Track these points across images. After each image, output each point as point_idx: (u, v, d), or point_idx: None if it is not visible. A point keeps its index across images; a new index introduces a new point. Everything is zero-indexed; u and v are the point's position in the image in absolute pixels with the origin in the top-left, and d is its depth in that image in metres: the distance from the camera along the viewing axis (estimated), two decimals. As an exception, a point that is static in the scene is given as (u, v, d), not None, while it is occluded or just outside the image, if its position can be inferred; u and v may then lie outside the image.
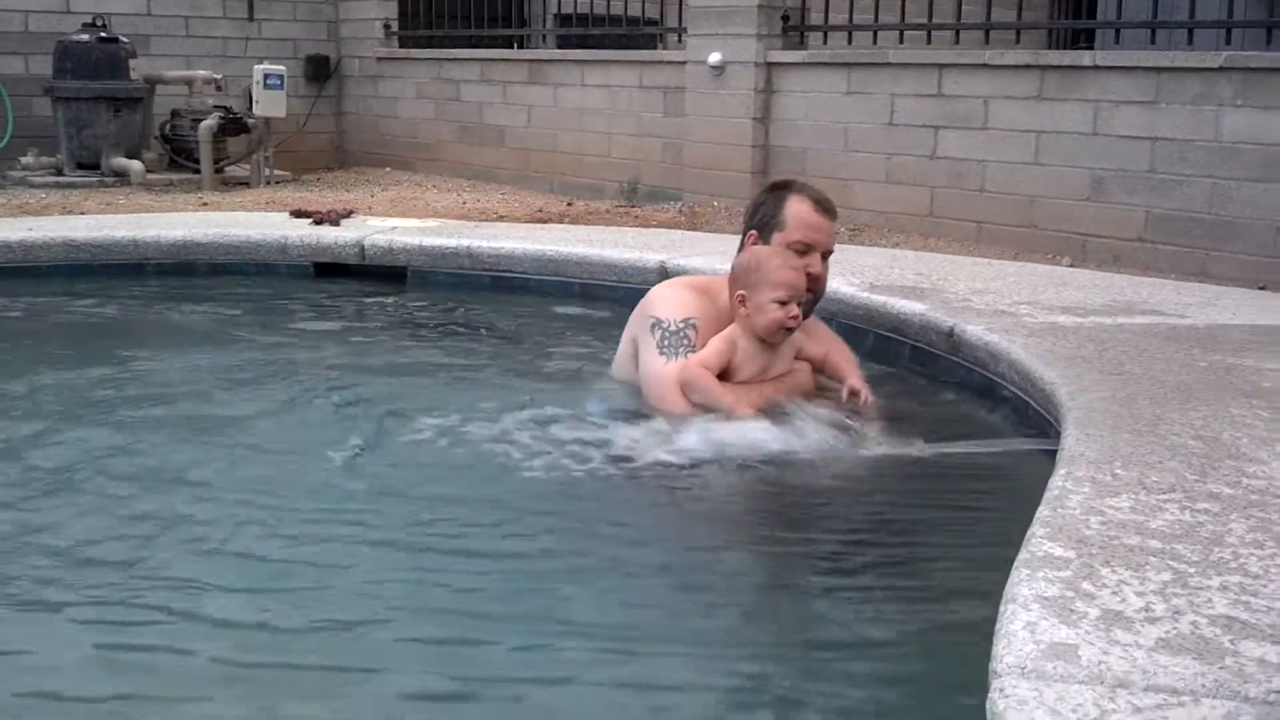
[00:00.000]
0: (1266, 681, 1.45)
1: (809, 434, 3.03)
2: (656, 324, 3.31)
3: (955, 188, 7.03)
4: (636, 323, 3.42)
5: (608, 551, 2.58)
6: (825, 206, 3.34)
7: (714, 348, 3.22)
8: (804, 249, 3.29)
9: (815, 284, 3.30)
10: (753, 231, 3.38)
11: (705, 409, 3.14)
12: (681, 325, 3.29)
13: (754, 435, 3.03)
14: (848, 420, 3.13)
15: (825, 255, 3.35)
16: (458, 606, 2.29)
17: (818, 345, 3.38)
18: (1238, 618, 1.62)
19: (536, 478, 2.91)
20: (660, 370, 3.25)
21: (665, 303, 3.38)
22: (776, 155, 8.12)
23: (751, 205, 3.48)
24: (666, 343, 3.28)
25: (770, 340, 3.22)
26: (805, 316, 3.28)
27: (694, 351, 3.23)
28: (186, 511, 2.72)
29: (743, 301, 3.19)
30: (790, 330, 3.20)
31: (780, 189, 3.41)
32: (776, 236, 3.31)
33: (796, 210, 3.32)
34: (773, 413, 3.11)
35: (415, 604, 2.28)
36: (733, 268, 3.29)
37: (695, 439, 3.03)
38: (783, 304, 3.15)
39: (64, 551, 2.50)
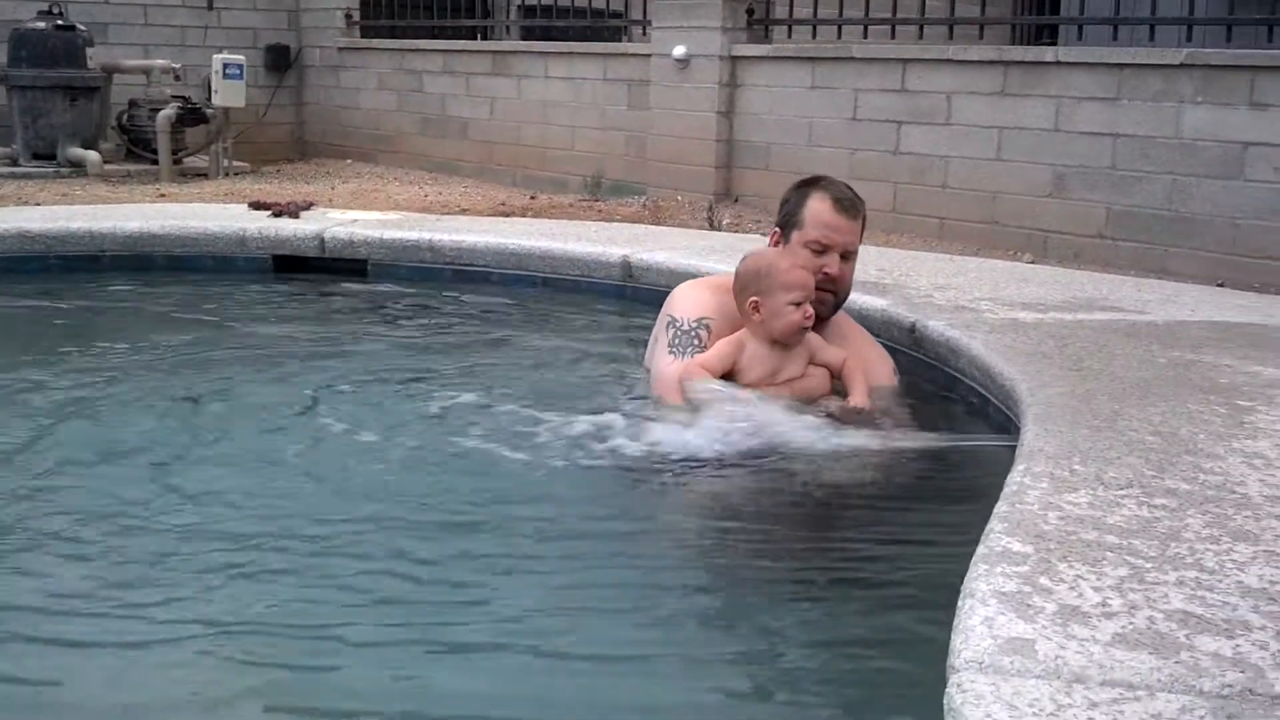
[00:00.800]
0: (1221, 676, 1.45)
1: (780, 429, 3.02)
2: (671, 323, 3.32)
3: (918, 184, 7.05)
4: (659, 320, 3.42)
5: (563, 540, 2.57)
6: (846, 205, 3.25)
7: (719, 349, 3.20)
8: (821, 249, 3.21)
9: (834, 285, 3.24)
10: (776, 230, 3.34)
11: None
12: (694, 325, 3.29)
13: (720, 432, 3.02)
14: (821, 415, 3.10)
15: (846, 256, 3.26)
16: (440, 600, 2.29)
17: (835, 352, 3.26)
18: (1194, 612, 1.62)
19: (509, 470, 2.90)
20: (665, 368, 3.26)
21: (683, 302, 3.38)
22: (740, 150, 8.12)
23: (780, 202, 3.42)
24: (677, 342, 3.30)
25: (789, 343, 3.16)
26: (827, 317, 3.24)
27: (703, 351, 3.22)
28: (153, 506, 2.68)
29: (755, 308, 3.14)
30: (805, 330, 3.15)
31: (805, 185, 3.34)
32: (795, 235, 3.26)
33: (815, 209, 3.24)
34: (759, 410, 3.09)
35: (394, 597, 2.27)
36: (738, 271, 3.24)
37: (661, 434, 3.02)
38: (797, 305, 3.12)
39: (20, 545, 2.46)
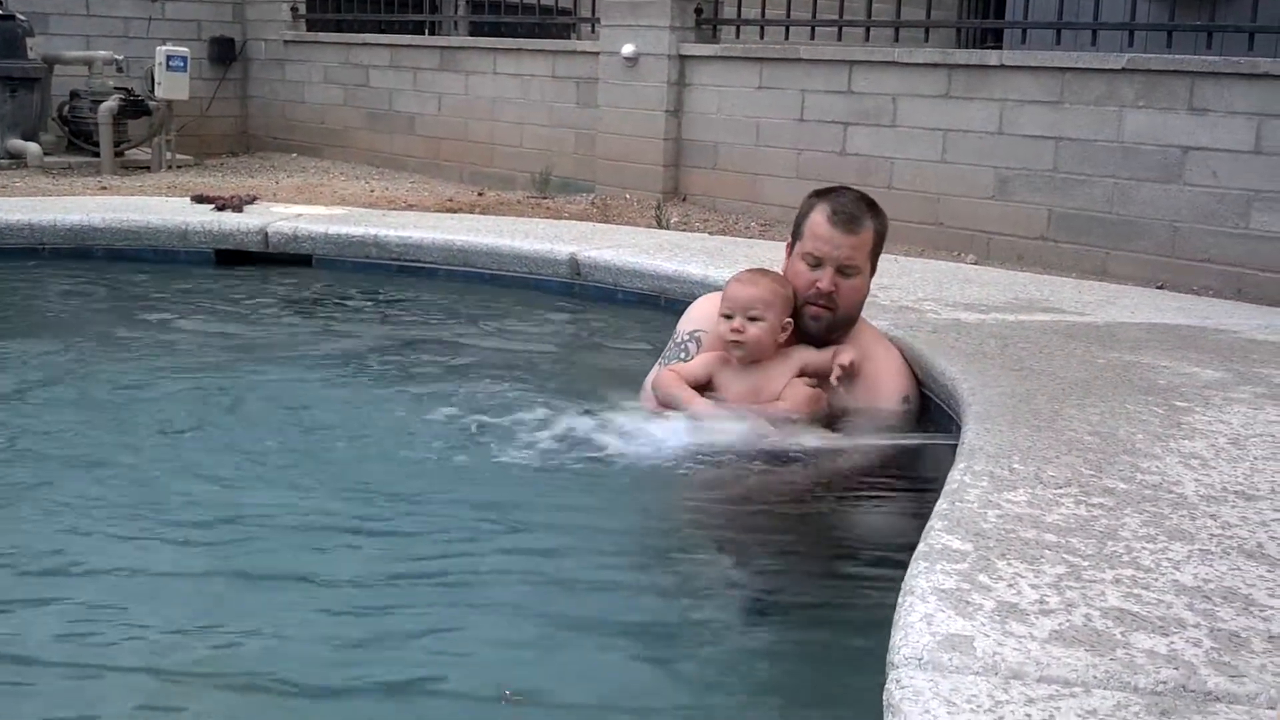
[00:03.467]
0: (1155, 672, 1.47)
1: (729, 429, 3.02)
2: (673, 334, 3.36)
3: (863, 184, 7.00)
4: None
5: (516, 532, 2.57)
6: (843, 219, 3.12)
7: (697, 360, 3.21)
8: (814, 261, 3.12)
9: (829, 300, 3.12)
10: (789, 239, 3.28)
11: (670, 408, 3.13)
12: (686, 337, 3.31)
13: (675, 430, 3.02)
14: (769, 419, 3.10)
15: (844, 271, 3.12)
16: (419, 599, 2.27)
17: (823, 356, 3.15)
18: (1129, 610, 1.64)
19: (468, 466, 2.91)
20: (650, 375, 3.30)
21: (687, 314, 3.41)
22: (689, 149, 8.13)
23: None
24: (668, 351, 3.34)
25: (746, 357, 3.11)
26: (818, 334, 3.16)
27: (690, 360, 3.23)
28: (111, 505, 2.64)
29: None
30: (734, 344, 3.10)
31: (816, 195, 3.23)
32: (797, 245, 3.20)
33: (813, 220, 3.15)
34: (713, 413, 3.09)
35: (378, 598, 2.26)
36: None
37: (617, 433, 3.03)
38: (727, 317, 3.11)
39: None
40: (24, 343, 4.03)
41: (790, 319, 3.13)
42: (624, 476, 2.86)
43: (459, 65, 9.74)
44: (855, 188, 3.36)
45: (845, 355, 3.12)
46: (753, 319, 3.09)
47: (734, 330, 3.09)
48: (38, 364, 3.77)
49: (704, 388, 3.17)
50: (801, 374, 3.14)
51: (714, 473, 2.90)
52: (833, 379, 3.12)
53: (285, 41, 11.12)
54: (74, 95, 9.90)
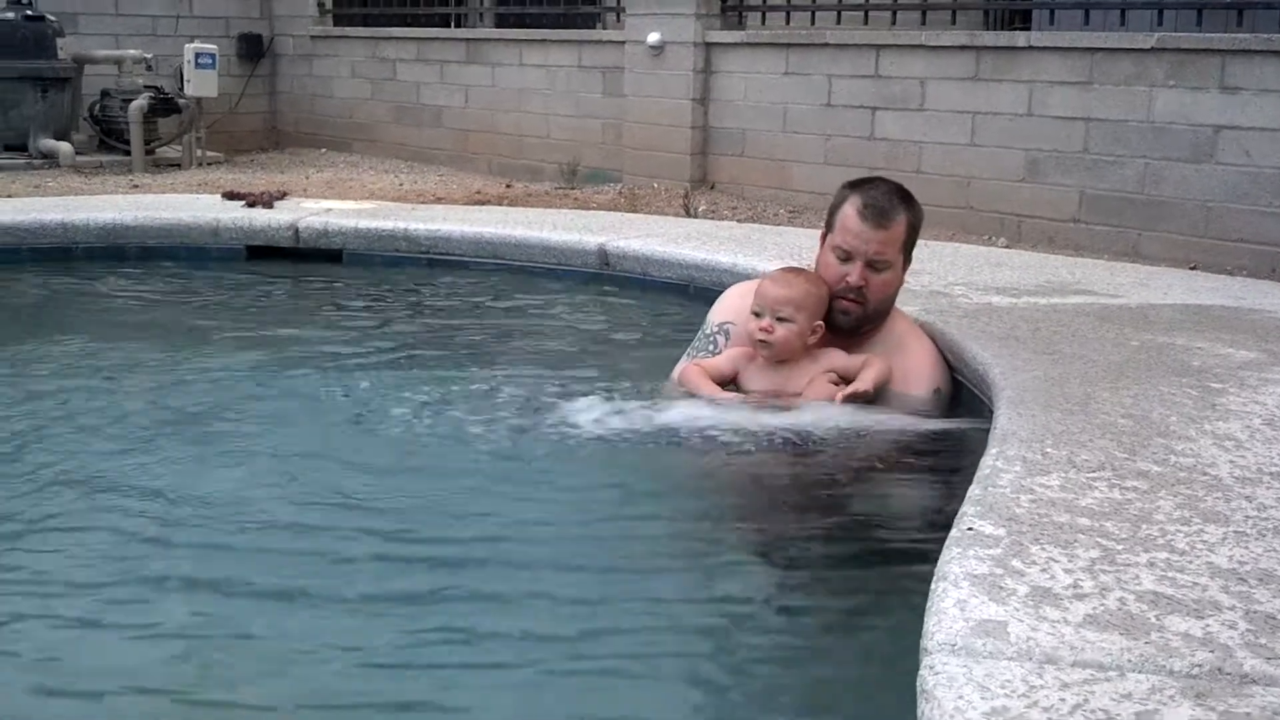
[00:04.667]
0: (1190, 655, 1.47)
1: (757, 413, 3.02)
2: (703, 325, 3.34)
3: (892, 169, 7.04)
4: None
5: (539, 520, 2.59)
6: (873, 213, 3.07)
7: (725, 355, 3.20)
8: (844, 255, 3.10)
9: (858, 294, 3.09)
10: (822, 231, 3.25)
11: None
12: (715, 329, 3.30)
13: (699, 413, 3.03)
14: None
15: (875, 265, 3.09)
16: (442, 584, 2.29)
17: (854, 360, 3.11)
18: (1164, 593, 1.64)
19: (477, 456, 2.92)
20: (677, 366, 3.30)
21: (718, 305, 3.39)
22: (716, 136, 8.12)
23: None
24: (695, 343, 3.32)
25: (773, 356, 3.10)
26: (850, 328, 3.14)
27: (717, 354, 3.22)
28: (149, 506, 2.66)
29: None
30: (762, 343, 3.09)
31: (849, 187, 3.19)
32: (829, 237, 3.17)
33: (844, 213, 3.11)
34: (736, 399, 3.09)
35: (400, 584, 2.28)
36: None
37: (638, 418, 3.04)
38: (756, 315, 3.10)
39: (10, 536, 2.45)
40: (59, 340, 4.06)
41: (820, 323, 3.11)
42: (651, 463, 2.88)
43: (485, 57, 9.75)
44: (888, 178, 3.31)
45: (866, 382, 3.03)
46: (781, 319, 3.07)
47: (762, 329, 3.08)
48: (71, 361, 3.80)
49: (729, 383, 3.17)
50: (836, 378, 3.11)
51: (742, 459, 2.90)
52: (838, 397, 3.03)
53: (312, 37, 11.16)
54: (104, 94, 9.98)
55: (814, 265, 3.27)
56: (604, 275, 4.87)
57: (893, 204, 3.13)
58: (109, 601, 2.20)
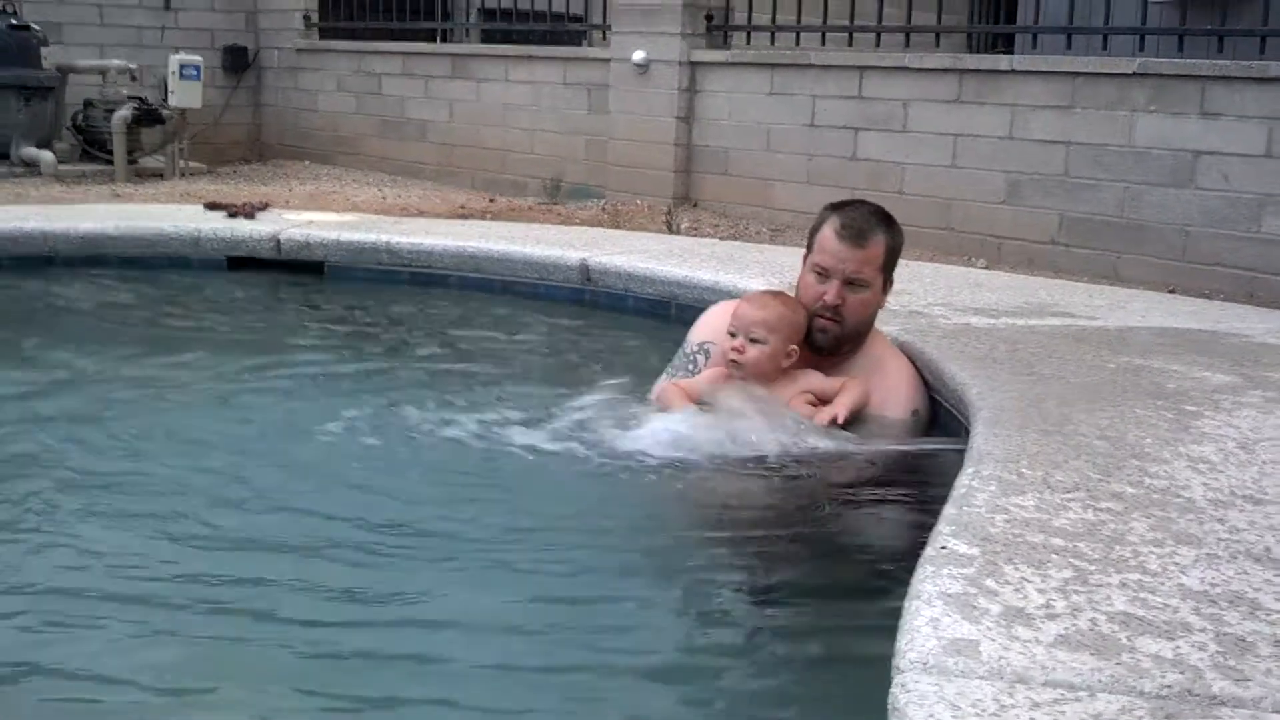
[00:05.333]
0: (1161, 677, 1.47)
1: (736, 431, 3.02)
2: (683, 344, 3.35)
3: (874, 189, 7.08)
4: None
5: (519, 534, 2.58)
6: (850, 233, 3.11)
7: (702, 375, 3.21)
8: (822, 273, 3.13)
9: (835, 314, 3.11)
10: (804, 254, 3.27)
11: None
12: (695, 349, 3.31)
13: (676, 432, 3.03)
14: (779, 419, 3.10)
15: (853, 284, 3.11)
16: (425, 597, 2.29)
17: (830, 383, 3.15)
18: (1135, 614, 1.64)
19: (472, 467, 2.94)
20: (656, 385, 3.31)
21: (698, 324, 3.40)
22: (700, 155, 8.14)
23: None
24: (675, 363, 3.33)
25: (745, 378, 3.10)
26: (828, 348, 3.15)
27: (698, 374, 3.23)
28: (119, 510, 2.66)
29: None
30: (734, 363, 3.09)
31: (830, 208, 3.23)
32: (809, 258, 3.20)
33: (823, 233, 3.15)
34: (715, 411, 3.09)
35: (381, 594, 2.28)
36: None
37: (619, 436, 3.04)
38: (731, 335, 3.12)
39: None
40: (36, 350, 4.05)
41: (795, 347, 3.12)
42: (628, 480, 2.87)
43: (470, 73, 9.77)
44: (869, 199, 3.35)
45: (842, 406, 3.05)
46: (754, 340, 3.09)
47: (734, 349, 3.10)
48: (49, 371, 3.78)
49: (707, 405, 3.17)
50: (813, 400, 3.13)
51: (719, 476, 2.90)
52: (816, 419, 3.05)
53: (298, 50, 11.15)
54: (88, 104, 9.95)
55: (795, 287, 3.28)
56: (585, 291, 4.88)
57: (871, 225, 3.16)
58: (80, 604, 2.19)
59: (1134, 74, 6.08)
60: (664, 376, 3.32)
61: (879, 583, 2.32)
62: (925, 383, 3.29)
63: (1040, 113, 6.45)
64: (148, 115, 9.63)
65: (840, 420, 3.04)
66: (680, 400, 3.14)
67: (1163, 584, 1.75)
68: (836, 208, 3.23)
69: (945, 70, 6.86)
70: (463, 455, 3.01)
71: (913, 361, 3.34)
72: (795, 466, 2.94)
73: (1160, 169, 6.03)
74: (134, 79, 9.98)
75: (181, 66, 9.50)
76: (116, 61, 10.00)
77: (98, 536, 2.52)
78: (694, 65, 8.05)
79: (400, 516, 2.67)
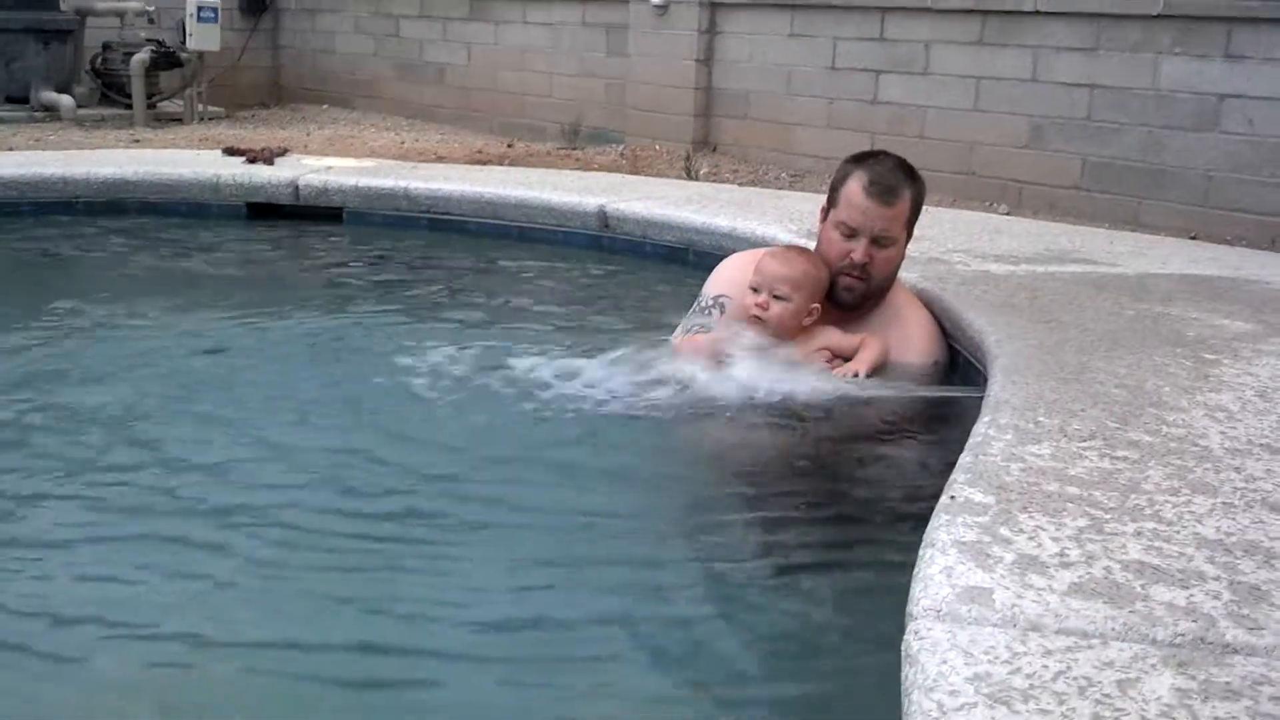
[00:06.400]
0: (1174, 625, 1.48)
1: (754, 384, 3.02)
2: (699, 296, 3.30)
3: (895, 133, 7.05)
4: None
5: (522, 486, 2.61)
6: (879, 189, 3.04)
7: (719, 330, 3.16)
8: (849, 232, 3.06)
9: (862, 271, 3.07)
10: (823, 205, 3.21)
11: None
12: (710, 302, 3.26)
13: (695, 381, 3.03)
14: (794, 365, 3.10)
15: (880, 242, 3.06)
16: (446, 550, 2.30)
17: (850, 339, 3.11)
18: (1150, 563, 1.65)
19: (490, 414, 2.95)
20: (674, 336, 3.28)
21: (713, 277, 3.34)
22: (719, 98, 8.09)
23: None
24: (690, 316, 3.28)
25: (772, 333, 3.08)
26: (853, 305, 3.12)
27: (713, 327, 3.19)
28: (155, 462, 2.67)
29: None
30: (756, 319, 3.07)
31: (853, 161, 3.15)
32: (832, 213, 3.13)
33: (850, 189, 3.07)
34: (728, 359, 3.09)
35: (407, 549, 2.29)
36: None
37: (624, 380, 3.05)
38: (754, 290, 3.09)
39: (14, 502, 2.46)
40: (56, 294, 4.07)
41: (817, 305, 3.09)
42: (646, 425, 2.88)
43: (489, 14, 9.70)
44: (891, 150, 3.28)
45: (863, 363, 3.04)
46: (778, 297, 3.06)
47: (758, 305, 3.07)
48: (67, 315, 3.81)
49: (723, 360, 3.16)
50: (832, 355, 3.11)
51: (736, 428, 2.91)
52: (840, 375, 3.04)
53: (315, -9, 11.10)
54: (106, 47, 9.94)
55: (816, 241, 3.25)
56: (603, 237, 4.87)
57: (899, 180, 3.10)
58: (101, 557, 2.22)
59: (1159, 15, 6.01)
60: (680, 329, 3.30)
61: (896, 530, 2.33)
62: (944, 331, 3.28)
63: (1063, 55, 6.39)
64: (166, 58, 9.62)
65: (862, 376, 3.02)
66: (697, 354, 3.14)
67: (1178, 533, 1.76)
68: (859, 161, 3.16)
69: (968, 11, 6.79)
70: (478, 402, 3.02)
71: (932, 310, 3.33)
72: (812, 418, 2.95)
73: (1184, 113, 5.97)
74: (152, 22, 9.96)
75: (199, 9, 9.47)
76: (134, 4, 9.97)
77: (98, 481, 2.55)
78: (714, 6, 7.98)
79: (414, 463, 2.69)
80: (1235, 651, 1.43)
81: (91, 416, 2.94)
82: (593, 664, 1.93)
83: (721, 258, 3.51)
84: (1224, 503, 1.88)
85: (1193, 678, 1.37)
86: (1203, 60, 5.89)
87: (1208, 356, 2.77)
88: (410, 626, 2.02)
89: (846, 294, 3.12)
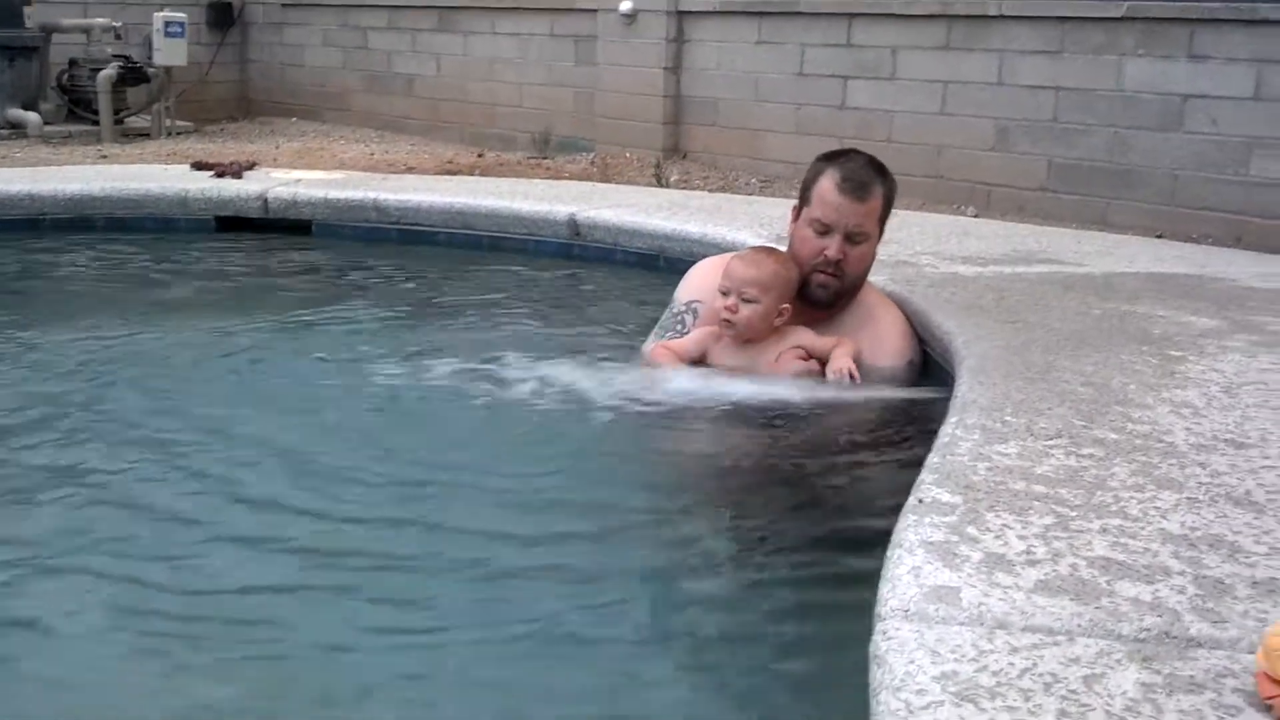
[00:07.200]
0: (1139, 620, 1.49)
1: (726, 388, 3.03)
2: (671, 302, 3.30)
3: (863, 138, 7.06)
4: None
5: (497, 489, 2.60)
6: (853, 186, 3.05)
7: (691, 336, 3.18)
8: (822, 229, 3.06)
9: (836, 268, 3.07)
10: (795, 206, 3.22)
11: None
12: (683, 308, 3.26)
13: (667, 387, 3.04)
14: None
15: (853, 238, 3.07)
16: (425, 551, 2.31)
17: (824, 341, 3.10)
18: (1115, 559, 1.66)
19: (451, 427, 2.96)
20: (646, 343, 3.28)
21: (685, 282, 3.34)
22: (688, 105, 8.11)
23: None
24: (663, 321, 3.28)
25: (739, 336, 3.09)
26: (827, 302, 3.12)
27: (686, 333, 3.19)
28: (109, 476, 2.66)
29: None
30: (726, 322, 3.08)
31: (824, 160, 3.16)
32: (805, 211, 3.13)
33: (822, 186, 3.07)
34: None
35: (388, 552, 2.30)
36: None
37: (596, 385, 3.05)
38: (724, 294, 3.09)
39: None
40: (23, 312, 4.04)
41: (788, 305, 3.09)
42: (617, 431, 2.88)
43: (457, 25, 9.70)
44: (860, 149, 3.30)
45: (843, 361, 3.02)
46: (747, 300, 3.06)
47: (727, 308, 3.07)
48: (37, 336, 3.78)
49: (697, 363, 3.17)
50: (806, 355, 3.11)
51: (708, 431, 2.92)
52: (834, 376, 3.03)
53: (283, 4, 11.07)
54: (73, 63, 9.89)
55: (788, 240, 3.26)
56: (574, 245, 4.88)
57: (870, 177, 3.11)
58: (80, 577, 2.21)
59: (1122, 18, 6.06)
60: (652, 336, 3.30)
61: (867, 531, 2.34)
62: (915, 331, 3.30)
63: (1029, 58, 6.44)
64: (133, 74, 9.58)
65: (855, 375, 3.01)
66: (669, 360, 3.14)
67: (1143, 529, 1.77)
68: (831, 159, 3.17)
69: (934, 16, 6.83)
70: (451, 411, 3.02)
71: (902, 310, 3.34)
72: (785, 420, 2.95)
73: (1149, 113, 6.03)
74: (118, 37, 9.91)
75: (166, 24, 9.43)
76: (100, 20, 9.93)
77: (64, 494, 2.53)
78: (681, 14, 8.01)
79: (383, 472, 2.68)
80: (1199, 645, 1.45)
81: (60, 430, 2.92)
82: (554, 667, 1.93)
83: (692, 264, 3.51)
84: (1189, 498, 1.90)
85: (1157, 672, 1.38)
86: (1166, 61, 5.94)
87: (1173, 354, 2.79)
88: (377, 637, 2.02)
89: (821, 291, 3.12)
